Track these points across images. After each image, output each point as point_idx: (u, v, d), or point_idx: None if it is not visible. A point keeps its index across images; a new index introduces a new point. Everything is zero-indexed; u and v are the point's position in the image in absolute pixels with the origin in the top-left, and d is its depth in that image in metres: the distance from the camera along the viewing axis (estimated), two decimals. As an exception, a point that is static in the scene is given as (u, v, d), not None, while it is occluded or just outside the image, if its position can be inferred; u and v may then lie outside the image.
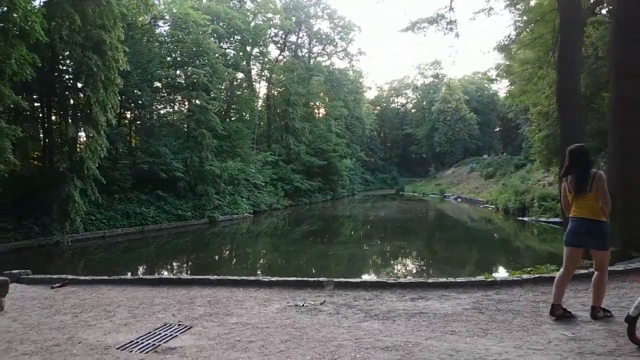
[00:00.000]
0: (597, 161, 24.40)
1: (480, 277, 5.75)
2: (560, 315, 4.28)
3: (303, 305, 5.25)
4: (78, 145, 21.43)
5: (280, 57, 49.91)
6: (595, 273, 4.27)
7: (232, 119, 41.36)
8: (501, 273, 16.63)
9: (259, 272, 17.69)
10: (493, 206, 38.71)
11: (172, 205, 27.67)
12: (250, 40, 43.15)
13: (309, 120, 48.67)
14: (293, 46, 51.91)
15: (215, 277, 6.34)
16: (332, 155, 47.07)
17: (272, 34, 47.89)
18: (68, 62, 21.61)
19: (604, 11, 24.18)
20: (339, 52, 54.44)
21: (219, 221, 29.93)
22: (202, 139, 29.54)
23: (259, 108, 47.40)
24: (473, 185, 54.39)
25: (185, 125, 29.81)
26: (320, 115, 54.88)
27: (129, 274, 18.06)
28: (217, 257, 21.49)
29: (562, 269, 4.45)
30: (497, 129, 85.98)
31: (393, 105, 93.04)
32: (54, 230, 19.96)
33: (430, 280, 5.68)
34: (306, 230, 28.90)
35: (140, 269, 18.70)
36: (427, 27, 13.29)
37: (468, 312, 4.62)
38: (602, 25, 20.22)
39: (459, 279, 5.70)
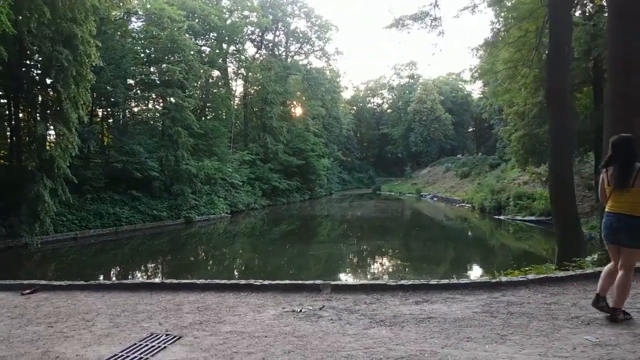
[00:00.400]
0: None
1: (484, 278, 5.53)
2: (604, 307, 4.07)
3: (301, 310, 4.89)
4: (48, 143, 20.48)
5: (257, 55, 49.33)
6: (620, 272, 4.05)
7: (208, 117, 40.64)
8: (480, 272, 16.63)
9: (236, 274, 17.24)
10: (469, 205, 39.05)
11: (147, 205, 26.86)
12: (226, 38, 42.45)
13: (286, 119, 48.24)
14: (270, 44, 51.36)
15: (202, 281, 5.85)
16: (310, 154, 46.73)
17: (249, 32, 47.29)
18: (37, 56, 20.62)
19: (577, 13, 24.67)
20: (316, 51, 54.20)
21: (195, 221, 29.23)
22: (178, 137, 28.78)
23: (235, 107, 46.74)
24: (449, 184, 54.93)
25: (160, 124, 29.00)
26: (297, 114, 54.42)
27: (102, 277, 17.39)
28: (194, 259, 20.91)
29: (611, 262, 4.24)
30: (470, 129, 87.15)
31: (369, 105, 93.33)
32: (23, 231, 19.04)
33: (432, 282, 5.42)
34: (286, 231, 28.51)
35: (114, 272, 18.02)
36: (412, 24, 13.08)
37: (479, 316, 4.36)
38: (577, 27, 20.55)
39: (462, 281, 5.45)
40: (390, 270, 17.36)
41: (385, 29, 14.48)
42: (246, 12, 45.63)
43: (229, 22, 41.19)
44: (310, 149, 47.13)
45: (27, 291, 6.16)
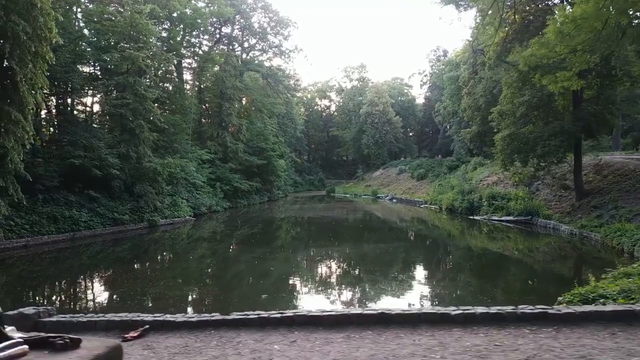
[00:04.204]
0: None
1: None
2: None
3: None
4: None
5: (214, 49, 46.33)
6: None
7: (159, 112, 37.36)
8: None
9: (231, 289, 15.10)
10: (435, 206, 38.85)
11: (107, 207, 23.70)
12: (181, 26, 39.42)
13: (245, 116, 45.73)
14: (225, 39, 48.55)
15: (420, 309, 3.87)
16: (271, 154, 44.56)
17: (208, 24, 44.16)
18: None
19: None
20: (274, 47, 51.98)
21: (159, 225, 26.32)
22: (140, 131, 25.78)
23: (189, 102, 43.54)
24: (405, 186, 54.94)
25: (120, 116, 25.66)
26: (256, 112, 51.83)
27: (68, 291, 14.62)
28: (172, 270, 18.13)
29: None
30: (411, 134, 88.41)
31: (316, 107, 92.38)
32: (-36, 239, 15.65)
33: None
34: (263, 235, 26.34)
35: (86, 286, 15.21)
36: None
37: None
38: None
39: None
40: (411, 284, 14.84)
41: (440, 4, 12.74)
42: (201, 4, 42.68)
43: (188, 10, 38.11)
44: (271, 149, 44.98)
45: (132, 334, 3.90)
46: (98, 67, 27.64)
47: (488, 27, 21.91)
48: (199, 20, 40.82)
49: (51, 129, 24.56)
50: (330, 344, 3.60)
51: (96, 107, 28.23)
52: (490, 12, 17.70)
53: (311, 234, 27.81)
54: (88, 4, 29.66)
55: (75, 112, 26.11)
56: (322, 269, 17.42)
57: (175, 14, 37.90)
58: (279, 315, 4.08)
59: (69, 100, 25.98)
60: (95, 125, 26.59)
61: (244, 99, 48.02)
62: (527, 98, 23.99)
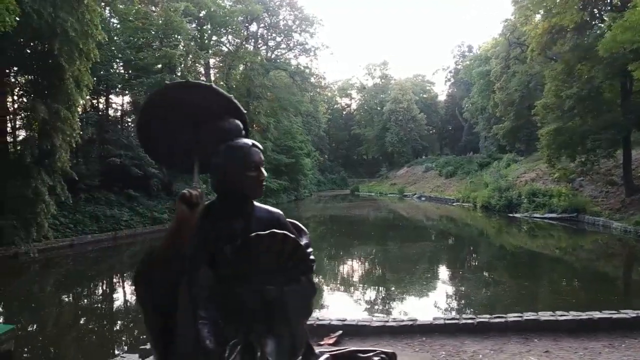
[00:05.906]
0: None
1: None
2: None
3: None
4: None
5: (241, 47, 46.05)
6: None
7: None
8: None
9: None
10: (468, 204, 38.02)
11: (146, 206, 23.49)
12: (209, 25, 39.22)
13: (271, 115, 45.33)
14: (252, 37, 48.27)
15: None
16: (299, 152, 44.14)
17: (235, 22, 43.93)
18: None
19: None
20: (299, 45, 51.52)
21: (196, 224, 26.07)
22: (177, 130, 25.51)
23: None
24: (433, 184, 53.97)
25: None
26: (278, 110, 51.48)
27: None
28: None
29: None
30: (432, 131, 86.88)
31: (337, 105, 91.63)
32: (16, 237, 15.42)
33: None
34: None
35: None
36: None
37: None
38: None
39: None
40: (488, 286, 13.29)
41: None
42: (228, 2, 42.39)
43: (217, 9, 37.84)
44: (299, 147, 44.57)
45: (328, 340, 3.38)
46: (131, 66, 27.45)
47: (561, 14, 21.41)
48: (227, 18, 40.60)
49: (91, 128, 24.44)
50: (600, 354, 3.08)
51: (133, 104, 27.97)
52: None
53: (363, 233, 26.78)
54: (120, 4, 29.54)
55: (108, 111, 25.99)
56: (394, 268, 16.57)
57: (202, 13, 37.73)
58: (499, 319, 3.57)
59: (103, 99, 25.84)
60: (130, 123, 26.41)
61: (270, 97, 47.58)
62: (576, 90, 23.10)
